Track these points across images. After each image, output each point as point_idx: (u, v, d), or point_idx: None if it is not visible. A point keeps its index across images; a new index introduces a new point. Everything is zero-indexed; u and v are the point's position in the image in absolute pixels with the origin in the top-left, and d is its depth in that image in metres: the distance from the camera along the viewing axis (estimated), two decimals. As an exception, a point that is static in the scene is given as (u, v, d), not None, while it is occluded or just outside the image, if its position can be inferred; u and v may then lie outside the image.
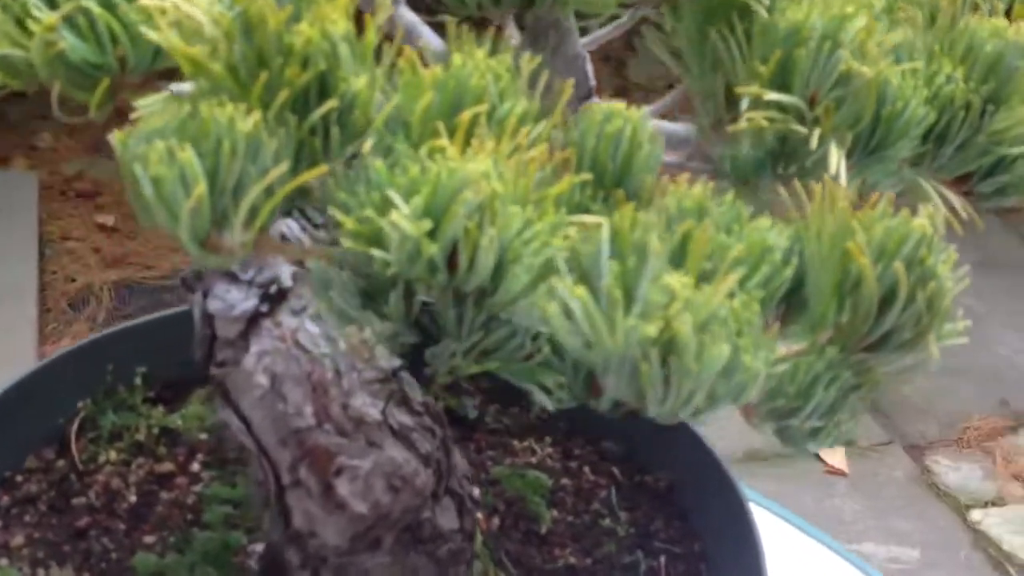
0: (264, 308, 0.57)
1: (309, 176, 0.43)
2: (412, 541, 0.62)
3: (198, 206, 0.42)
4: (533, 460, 0.81)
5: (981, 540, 2.19)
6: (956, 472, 2.39)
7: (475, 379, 0.64)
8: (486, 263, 0.41)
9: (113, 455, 0.76)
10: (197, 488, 0.74)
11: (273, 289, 0.57)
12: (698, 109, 0.56)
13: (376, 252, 0.42)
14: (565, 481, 0.79)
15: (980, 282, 2.63)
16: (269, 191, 0.43)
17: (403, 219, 0.40)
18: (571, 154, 0.47)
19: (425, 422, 0.60)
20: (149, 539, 0.71)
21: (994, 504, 2.32)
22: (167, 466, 0.76)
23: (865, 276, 0.42)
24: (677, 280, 0.38)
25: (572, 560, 0.74)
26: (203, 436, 0.78)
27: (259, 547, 0.71)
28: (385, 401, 0.59)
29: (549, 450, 0.82)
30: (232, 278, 0.58)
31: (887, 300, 0.43)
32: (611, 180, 0.48)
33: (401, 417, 0.59)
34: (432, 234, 0.41)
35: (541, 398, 0.47)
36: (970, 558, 2.11)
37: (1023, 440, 2.50)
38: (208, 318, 0.59)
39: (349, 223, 0.42)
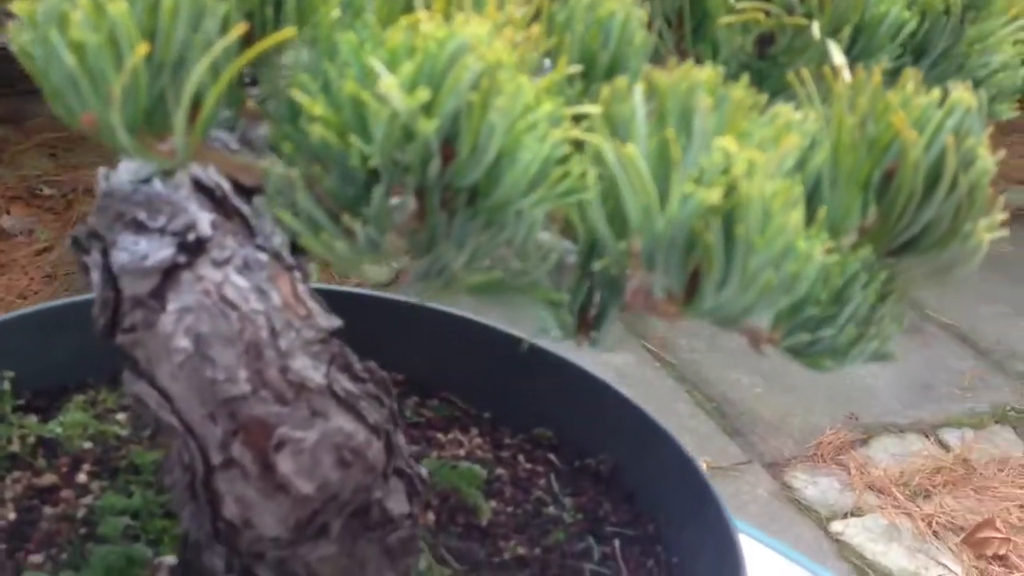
0: (182, 259, 0.49)
1: (268, 44, 0.36)
2: (360, 528, 0.54)
3: (134, 80, 0.35)
4: (461, 452, 0.74)
5: (844, 550, 2.22)
6: (815, 486, 2.42)
7: (388, 371, 0.57)
8: (491, 146, 0.35)
9: (-17, 470, 0.65)
10: (87, 500, 0.65)
11: (191, 237, 0.49)
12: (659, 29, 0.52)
13: (355, 140, 0.36)
14: (500, 471, 0.73)
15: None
16: (214, 71, 0.36)
17: (394, 90, 0.34)
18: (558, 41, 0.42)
19: (370, 389, 0.53)
20: (36, 558, 0.60)
21: (853, 515, 2.36)
22: (48, 478, 0.65)
23: (909, 155, 0.38)
24: (731, 143, 0.32)
25: (520, 551, 0.67)
26: (87, 445, 0.68)
27: (169, 559, 0.61)
28: (327, 364, 0.51)
29: (477, 440, 0.76)
30: (139, 227, 0.49)
31: (926, 189, 0.39)
32: (602, 71, 0.42)
33: (345, 383, 0.52)
34: (427, 110, 0.34)
35: (546, 319, 0.41)
36: (837, 568, 2.13)
37: (874, 451, 2.55)
38: (111, 278, 0.50)
39: (318, 108, 0.36)
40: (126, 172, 0.51)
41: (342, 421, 0.51)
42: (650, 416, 0.71)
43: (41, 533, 0.62)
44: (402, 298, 0.80)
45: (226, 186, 0.51)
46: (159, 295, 0.49)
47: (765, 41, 0.50)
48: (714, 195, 0.31)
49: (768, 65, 0.50)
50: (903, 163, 0.39)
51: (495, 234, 0.38)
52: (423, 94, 0.34)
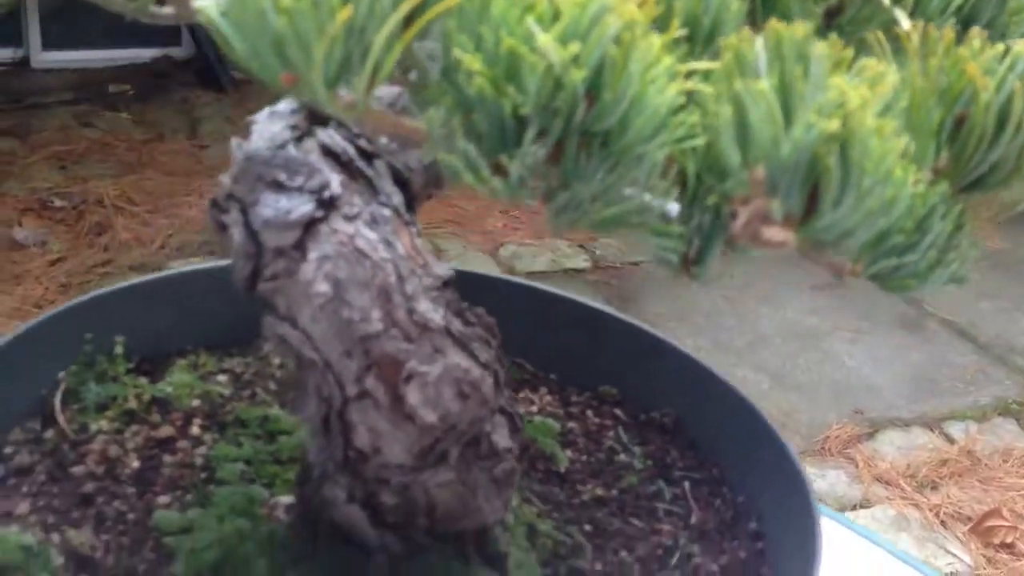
0: (319, 214, 0.55)
1: (434, 13, 0.42)
2: (473, 457, 0.60)
3: (334, 43, 0.41)
4: (534, 409, 0.80)
5: (857, 542, 2.27)
6: (823, 479, 2.48)
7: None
8: (628, 94, 0.41)
9: (104, 424, 0.71)
10: (202, 451, 0.70)
11: (326, 195, 0.55)
12: None
13: (511, 90, 0.42)
14: (571, 425, 0.79)
15: (820, 303, 2.76)
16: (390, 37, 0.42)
17: (549, 44, 0.40)
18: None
19: (479, 332, 0.59)
20: (163, 499, 0.66)
21: (862, 506, 2.42)
22: (165, 431, 0.71)
23: (981, 100, 0.44)
24: (843, 82, 0.39)
25: (598, 492, 0.73)
26: (196, 403, 0.74)
27: (284, 499, 0.67)
28: (444, 308, 0.57)
29: (548, 399, 0.82)
30: (279, 187, 0.55)
31: (994, 131, 0.45)
32: (703, 35, 0.49)
33: (458, 325, 0.58)
34: (575, 62, 0.40)
35: (662, 249, 0.47)
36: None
37: (880, 445, 2.62)
38: (252, 233, 0.56)
39: (476, 63, 0.42)
40: (260, 140, 0.57)
41: (459, 358, 0.57)
42: (711, 369, 0.77)
43: (165, 478, 0.68)
44: (469, 270, 0.86)
45: (351, 151, 0.57)
46: (300, 246, 0.55)
47: (833, 12, 0.56)
48: (833, 124, 0.37)
49: (835, 34, 0.56)
50: (974, 108, 0.45)
51: (622, 174, 0.45)
52: (574, 48, 0.40)
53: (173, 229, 3.13)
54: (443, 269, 0.58)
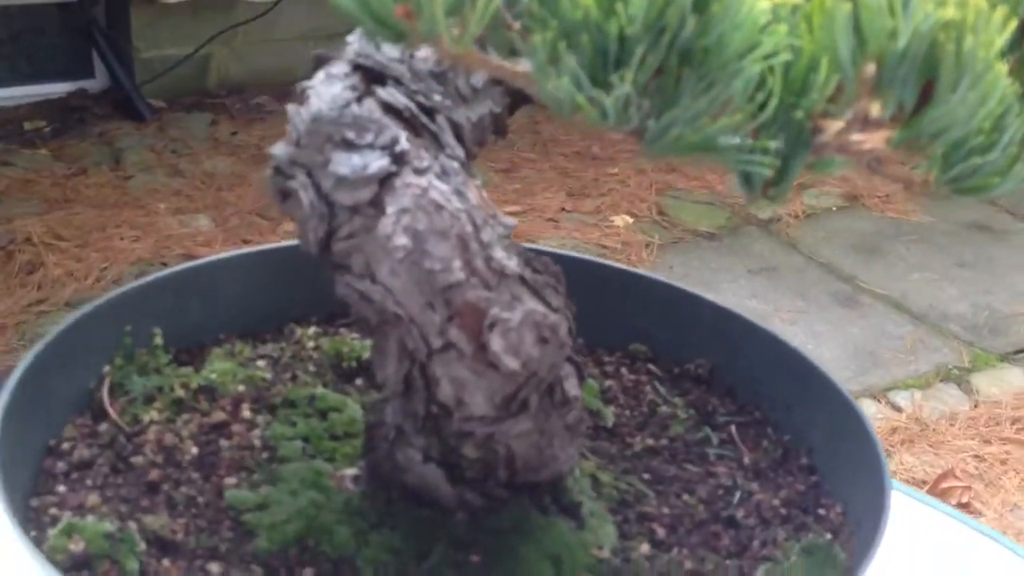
0: (393, 168, 0.55)
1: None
2: (549, 406, 0.61)
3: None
4: (569, 371, 0.81)
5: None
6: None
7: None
8: (729, 9, 0.43)
9: (155, 415, 0.70)
10: (256, 432, 0.70)
11: (397, 150, 0.56)
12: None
13: (620, 8, 0.43)
14: (609, 383, 0.80)
15: (758, 287, 2.80)
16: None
17: (662, -36, 0.41)
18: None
19: (549, 279, 0.60)
20: (230, 481, 0.65)
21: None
22: (217, 417, 0.71)
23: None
24: (947, -24, 0.41)
25: (648, 443, 0.74)
26: (241, 388, 0.73)
27: (348, 471, 0.67)
28: (517, 256, 0.58)
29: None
30: (350, 145, 0.56)
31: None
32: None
33: (529, 273, 0.58)
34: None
35: (750, 166, 0.49)
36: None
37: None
38: (323, 195, 0.56)
39: (586, -11, 0.43)
40: (322, 102, 0.57)
41: (535, 304, 0.57)
42: (742, 315, 0.78)
43: (226, 461, 0.67)
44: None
45: (413, 107, 0.58)
46: (376, 202, 0.55)
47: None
48: (950, 11, 0.39)
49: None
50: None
51: (717, 94, 0.46)
52: (685, -38, 0.41)
53: (107, 262, 3.07)
54: (509, 220, 0.59)
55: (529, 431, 0.60)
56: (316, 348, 0.78)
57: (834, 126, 0.47)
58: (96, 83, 3.82)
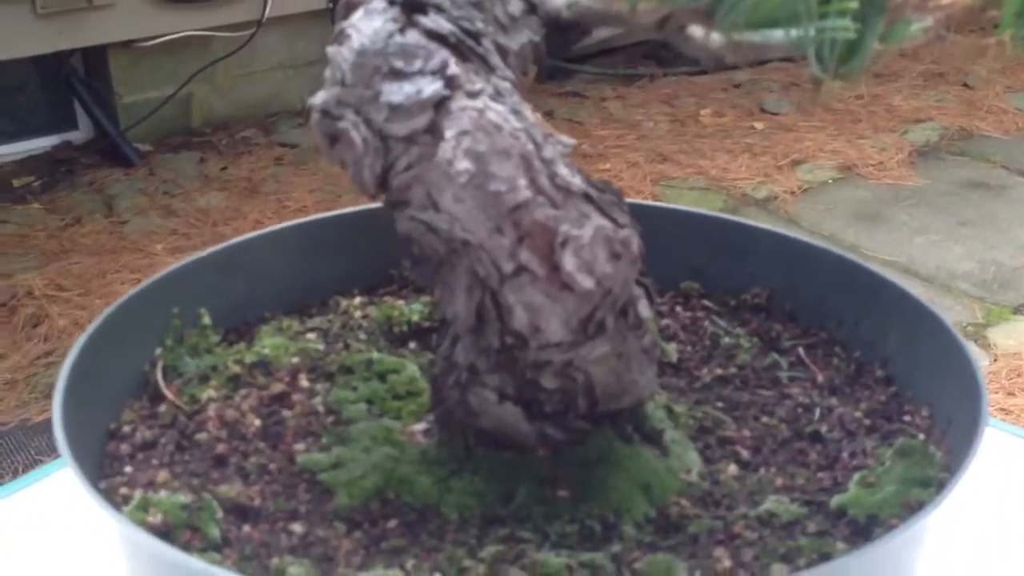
0: (447, 92, 0.54)
1: None
2: (625, 327, 0.59)
3: None
4: (623, 316, 0.79)
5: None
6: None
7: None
8: None
9: (212, 392, 0.68)
10: (317, 400, 0.68)
11: (448, 73, 0.54)
12: None
13: None
14: (666, 322, 0.78)
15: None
16: None
17: None
18: None
19: (611, 197, 0.58)
20: (299, 447, 0.63)
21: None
22: (276, 388, 0.69)
23: None
24: None
25: (717, 373, 0.72)
26: (295, 360, 0.71)
27: (418, 426, 0.65)
28: (579, 174, 0.56)
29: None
30: (399, 74, 0.54)
31: None
32: None
33: (593, 191, 0.57)
34: None
35: (825, 33, 0.47)
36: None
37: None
38: (375, 130, 0.55)
39: None
40: (364, 37, 0.55)
41: (603, 220, 0.56)
42: (796, 237, 0.77)
43: (292, 428, 0.65)
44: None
45: (458, 32, 0.56)
46: (432, 128, 0.53)
47: None
48: None
49: None
50: None
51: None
52: None
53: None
54: (567, 138, 0.57)
55: (607, 355, 0.58)
56: (365, 317, 0.77)
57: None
58: (81, 133, 3.81)
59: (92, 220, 3.48)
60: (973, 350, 2.71)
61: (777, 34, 0.54)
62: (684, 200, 3.34)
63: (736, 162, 3.45)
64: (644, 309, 0.61)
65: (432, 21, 0.56)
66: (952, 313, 2.91)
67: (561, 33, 0.64)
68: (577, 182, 0.55)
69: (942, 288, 3.05)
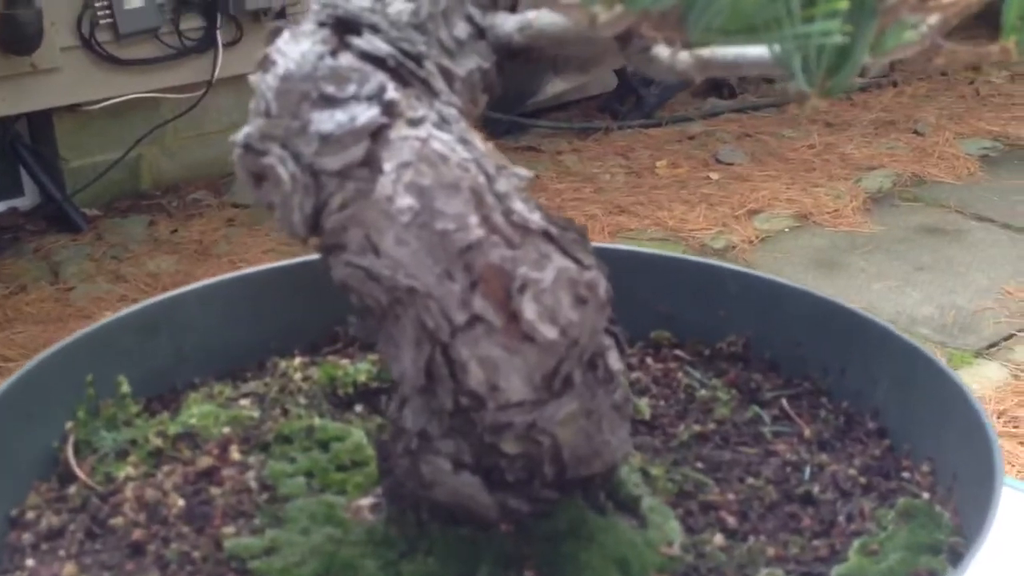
0: (385, 120, 0.47)
1: None
2: (594, 381, 0.52)
3: None
4: (589, 370, 0.73)
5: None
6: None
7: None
8: None
9: (131, 470, 0.60)
10: (251, 474, 0.60)
11: (386, 98, 0.48)
12: None
13: None
14: (637, 375, 0.71)
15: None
16: None
17: None
18: None
19: (574, 235, 0.52)
20: (228, 529, 0.56)
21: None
22: (204, 463, 0.61)
23: None
24: None
25: (695, 430, 0.66)
26: (226, 430, 0.64)
27: (364, 501, 0.58)
28: (538, 210, 0.50)
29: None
30: (330, 100, 0.48)
31: None
32: None
33: (553, 228, 0.50)
34: None
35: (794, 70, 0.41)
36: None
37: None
38: (304, 165, 0.48)
39: None
40: (291, 62, 0.49)
41: (566, 261, 0.49)
42: (771, 278, 0.71)
43: (220, 508, 0.57)
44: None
45: (397, 54, 0.50)
46: (371, 160, 0.47)
47: None
48: None
49: None
50: None
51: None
52: None
53: (55, 378, 2.93)
54: (523, 170, 0.51)
55: (575, 414, 0.51)
56: (306, 379, 0.69)
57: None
58: (26, 200, 3.71)
59: (37, 288, 3.37)
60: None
61: (753, 50, 0.49)
62: (643, 252, 3.29)
63: (693, 212, 3.43)
64: (615, 361, 0.54)
65: (367, 42, 0.50)
66: (916, 359, 2.86)
67: (512, 59, 0.58)
68: (536, 219, 0.49)
69: (903, 332, 3.00)
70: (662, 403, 0.68)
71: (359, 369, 0.69)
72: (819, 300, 0.68)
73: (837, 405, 0.67)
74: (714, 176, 3.63)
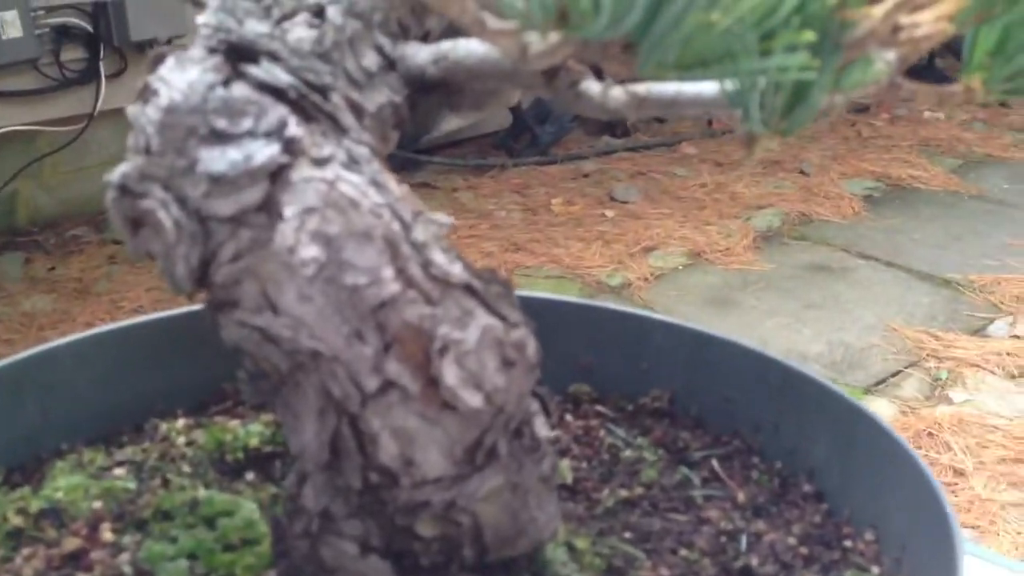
0: (286, 159, 0.41)
1: None
2: (520, 451, 0.47)
3: None
4: (504, 429, 0.67)
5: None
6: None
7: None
8: None
9: (-16, 555, 0.52)
10: (125, 557, 0.53)
11: (287, 134, 0.42)
12: None
13: None
14: (557, 433, 0.66)
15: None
16: None
17: None
18: None
19: (498, 289, 0.46)
20: (98, 626, 0.48)
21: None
22: (70, 544, 0.53)
23: None
24: None
25: (621, 495, 0.61)
26: (97, 505, 0.57)
27: (259, 587, 0.51)
28: (459, 260, 0.44)
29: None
30: (222, 137, 0.41)
31: None
32: None
33: (476, 281, 0.45)
34: None
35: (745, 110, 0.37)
36: None
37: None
38: (191, 210, 0.42)
39: None
40: (176, 92, 0.43)
41: (491, 319, 0.44)
42: (695, 327, 0.67)
43: (90, 600, 0.50)
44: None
45: (300, 85, 0.44)
46: (269, 204, 0.41)
47: None
48: None
49: None
50: None
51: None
52: None
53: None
54: (443, 217, 0.45)
55: (499, 489, 0.46)
56: (190, 443, 0.62)
57: (878, 9, 0.36)
58: None
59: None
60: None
61: (692, 87, 0.45)
62: (540, 289, 3.27)
63: (589, 250, 3.42)
64: (542, 427, 0.49)
65: (265, 72, 0.44)
66: (808, 396, 2.89)
67: (426, 93, 0.52)
68: (457, 271, 0.43)
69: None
70: (584, 465, 0.63)
71: (250, 432, 0.62)
72: (748, 351, 0.64)
73: (770, 465, 0.63)
74: (609, 214, 3.64)
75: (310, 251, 0.40)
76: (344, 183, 0.42)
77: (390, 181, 0.44)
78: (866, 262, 3.53)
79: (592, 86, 0.46)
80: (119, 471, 0.60)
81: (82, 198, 3.51)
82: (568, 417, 0.68)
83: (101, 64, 3.06)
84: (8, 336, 2.94)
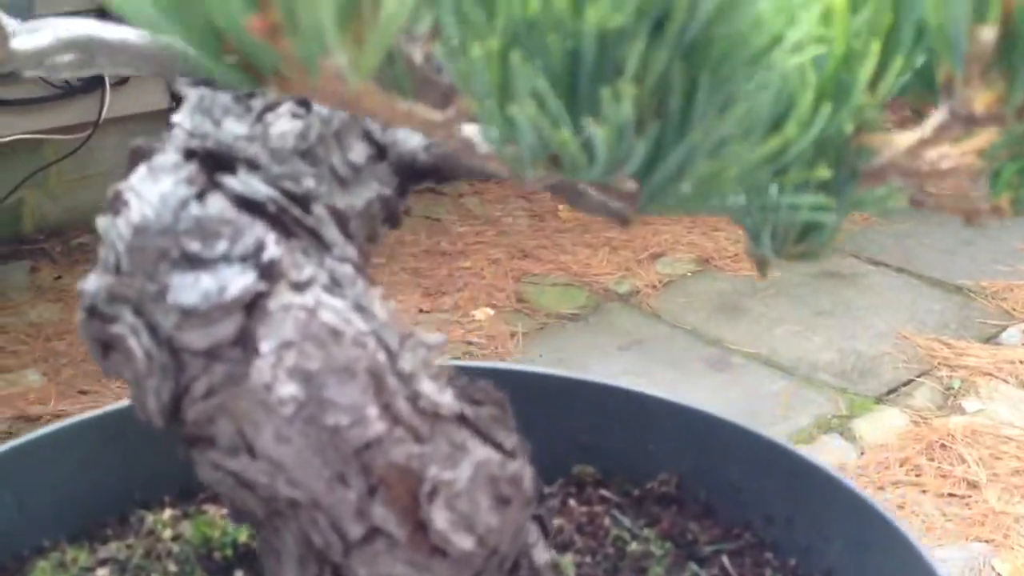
0: (263, 287, 0.38)
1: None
2: (517, 585, 0.44)
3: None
4: (504, 514, 0.64)
5: None
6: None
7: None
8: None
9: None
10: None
11: (265, 258, 0.39)
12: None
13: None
14: (560, 522, 0.63)
15: (629, 362, 2.69)
16: None
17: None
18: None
19: (493, 412, 0.43)
20: None
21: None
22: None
23: None
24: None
25: (627, 596, 0.58)
26: (75, 613, 0.54)
27: None
28: (449, 387, 0.41)
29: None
30: (195, 261, 0.38)
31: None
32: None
33: (468, 408, 0.42)
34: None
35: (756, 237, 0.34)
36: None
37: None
38: (164, 340, 0.39)
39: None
40: (147, 207, 0.40)
41: (485, 451, 0.41)
42: (704, 410, 0.64)
43: None
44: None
45: (279, 197, 0.41)
46: (244, 338, 0.38)
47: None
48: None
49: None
50: None
51: (737, 116, 0.31)
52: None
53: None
54: (433, 336, 0.42)
55: (495, 629, 0.43)
56: (176, 537, 0.59)
57: (902, 139, 0.33)
58: None
59: None
60: (840, 445, 2.66)
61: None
62: (547, 296, 3.24)
63: (597, 257, 3.39)
64: (541, 554, 0.46)
65: (242, 183, 0.41)
66: (816, 406, 2.86)
67: (418, 180, 0.49)
68: (447, 401, 0.40)
69: (804, 380, 3.00)
70: (588, 559, 0.60)
71: (239, 527, 0.59)
72: (757, 439, 0.61)
73: (784, 563, 0.60)
74: (617, 220, 3.60)
75: (288, 389, 0.37)
76: (325, 310, 0.39)
77: (376, 302, 0.41)
78: (876, 268, 3.49)
79: (593, 191, 0.43)
80: (102, 571, 0.57)
81: (87, 206, 3.49)
82: (572, 502, 0.65)
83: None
84: (14, 347, 2.92)
